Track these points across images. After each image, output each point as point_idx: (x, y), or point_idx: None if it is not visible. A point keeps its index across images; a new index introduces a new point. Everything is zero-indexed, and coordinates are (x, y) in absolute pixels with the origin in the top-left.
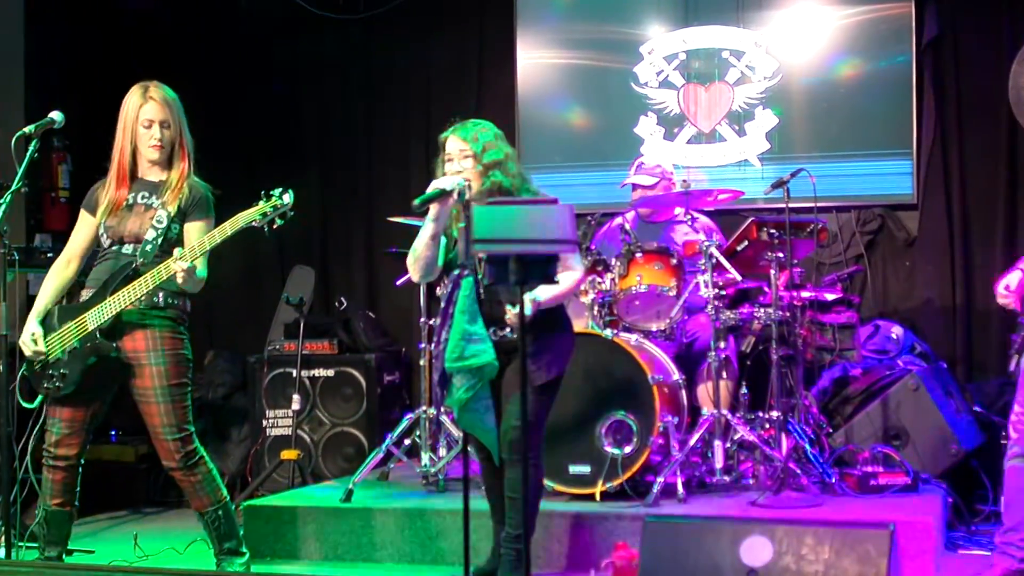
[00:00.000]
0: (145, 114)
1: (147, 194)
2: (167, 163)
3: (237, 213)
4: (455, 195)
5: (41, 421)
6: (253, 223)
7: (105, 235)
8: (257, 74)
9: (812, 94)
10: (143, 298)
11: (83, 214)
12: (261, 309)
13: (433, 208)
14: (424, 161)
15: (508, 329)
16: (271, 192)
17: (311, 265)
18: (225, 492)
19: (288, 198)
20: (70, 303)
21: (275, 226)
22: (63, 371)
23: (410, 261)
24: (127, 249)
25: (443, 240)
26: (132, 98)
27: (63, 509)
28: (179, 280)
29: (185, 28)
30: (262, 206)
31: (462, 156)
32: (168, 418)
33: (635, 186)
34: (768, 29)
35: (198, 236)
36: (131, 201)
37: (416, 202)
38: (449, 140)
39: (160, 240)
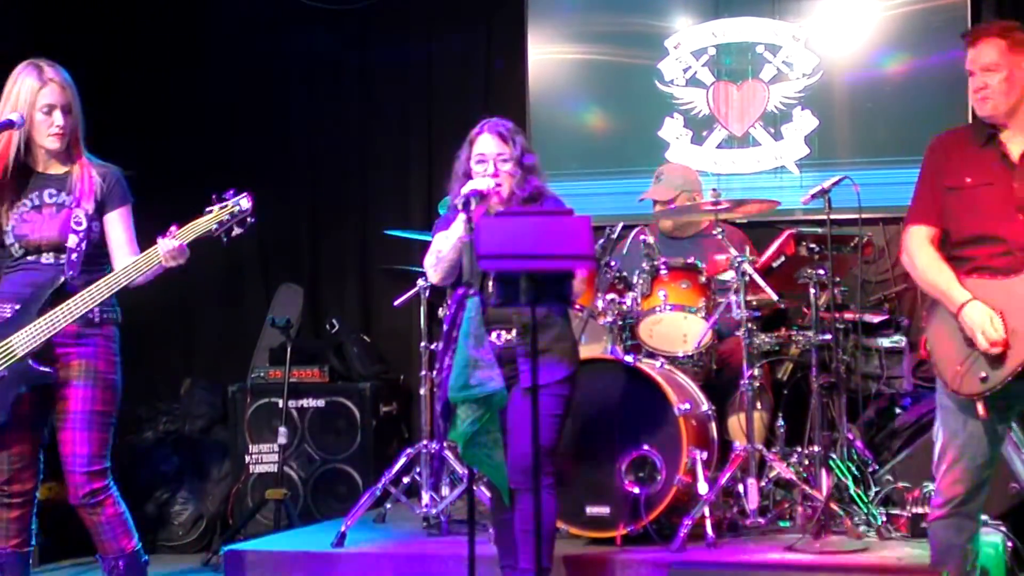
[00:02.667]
0: (44, 98)
1: (54, 191)
2: (65, 153)
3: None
4: (490, 196)
5: None
6: (209, 232)
7: (17, 244)
8: (237, 70)
9: (856, 93)
10: (79, 315)
11: None
12: (243, 333)
13: (470, 207)
14: (426, 168)
15: (514, 333)
16: (224, 196)
17: (299, 283)
18: (136, 543)
19: (246, 202)
20: None
21: (233, 234)
22: None
23: (429, 262)
24: (47, 258)
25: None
26: (27, 80)
27: (20, 551)
28: (170, 263)
29: (153, 18)
30: (217, 213)
31: (500, 159)
32: (83, 447)
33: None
34: (807, 21)
35: (122, 226)
36: (37, 202)
37: (459, 202)
38: (483, 139)
39: (84, 244)
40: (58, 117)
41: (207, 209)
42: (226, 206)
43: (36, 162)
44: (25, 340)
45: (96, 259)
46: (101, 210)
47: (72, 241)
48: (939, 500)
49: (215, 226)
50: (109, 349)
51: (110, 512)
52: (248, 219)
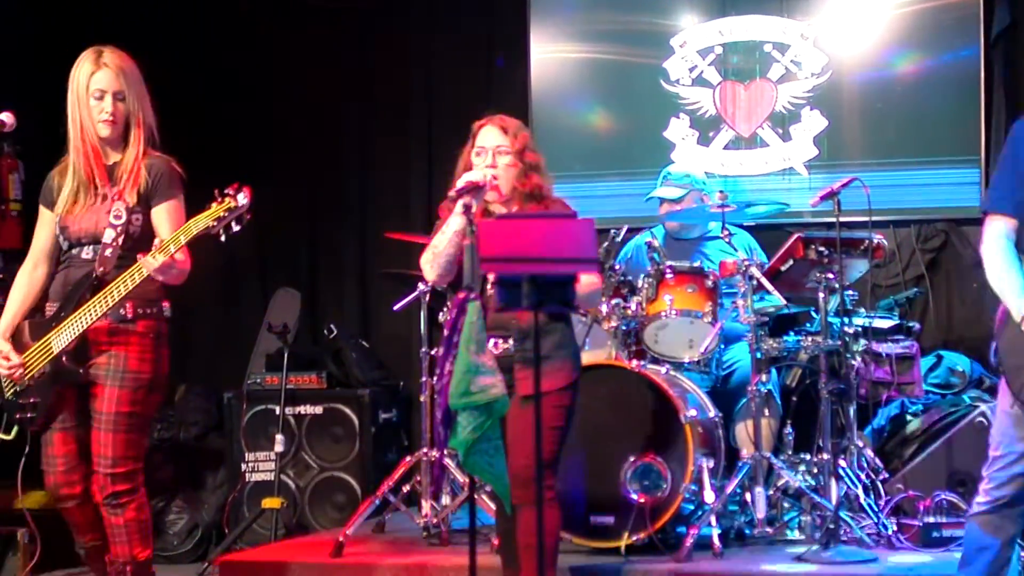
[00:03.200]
0: (96, 83)
1: (103, 181)
2: (122, 142)
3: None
4: (486, 189)
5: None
6: (208, 229)
7: (62, 236)
8: (233, 68)
9: (866, 93)
10: (109, 312)
11: (42, 210)
12: (239, 338)
13: (463, 201)
14: (426, 168)
15: (512, 340)
16: (225, 192)
17: (296, 287)
18: (150, 553)
19: (244, 197)
20: (42, 317)
21: (232, 231)
22: (32, 400)
23: (426, 259)
24: (86, 253)
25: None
26: (83, 65)
27: (96, 545)
28: (159, 278)
29: (150, 11)
30: (215, 209)
31: (499, 151)
32: (109, 448)
33: (661, 199)
34: (816, 19)
35: (168, 221)
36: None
37: (451, 193)
38: (484, 131)
39: (121, 239)
40: (108, 103)
41: (207, 205)
42: (224, 202)
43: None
44: (59, 338)
45: (133, 256)
46: (147, 203)
47: (108, 235)
48: (984, 499)
49: (214, 222)
50: (144, 346)
51: (130, 516)
52: (246, 215)
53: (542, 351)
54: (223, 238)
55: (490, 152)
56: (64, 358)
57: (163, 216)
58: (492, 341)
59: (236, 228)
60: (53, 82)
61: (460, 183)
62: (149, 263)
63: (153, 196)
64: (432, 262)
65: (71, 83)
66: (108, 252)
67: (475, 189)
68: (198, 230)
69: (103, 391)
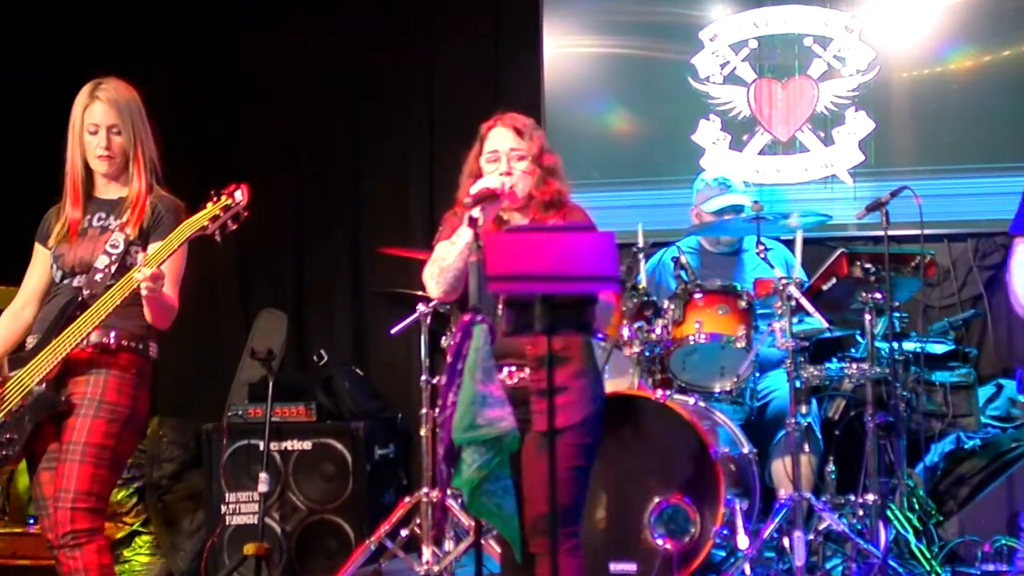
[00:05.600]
0: (90, 117)
1: (103, 215)
2: (124, 176)
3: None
4: (502, 198)
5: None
6: (203, 229)
7: (55, 266)
8: (213, 65)
9: (917, 92)
10: (92, 335)
11: (37, 247)
12: (218, 365)
13: (477, 211)
14: (427, 176)
15: (528, 369)
16: (221, 191)
17: (282, 308)
18: None
19: (241, 195)
20: (22, 351)
21: (228, 231)
22: (9, 436)
23: (430, 273)
24: (77, 282)
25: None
26: (79, 99)
27: None
28: (144, 292)
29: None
30: (211, 208)
31: (514, 156)
32: (72, 481)
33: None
34: (862, 10)
35: (169, 261)
36: (85, 225)
37: (467, 200)
38: (495, 133)
39: (114, 268)
40: (102, 138)
41: (202, 205)
42: (220, 200)
43: (96, 186)
44: (40, 366)
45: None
46: (146, 240)
47: (101, 262)
48: None
49: (208, 222)
50: (124, 380)
51: (91, 560)
52: (243, 213)
53: (558, 381)
54: (219, 238)
55: (504, 157)
56: (44, 385)
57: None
58: (505, 370)
59: (233, 227)
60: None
61: (475, 189)
62: (137, 277)
63: (153, 233)
64: (438, 276)
65: (71, 120)
66: (98, 277)
67: (491, 197)
68: (193, 231)
69: (75, 421)
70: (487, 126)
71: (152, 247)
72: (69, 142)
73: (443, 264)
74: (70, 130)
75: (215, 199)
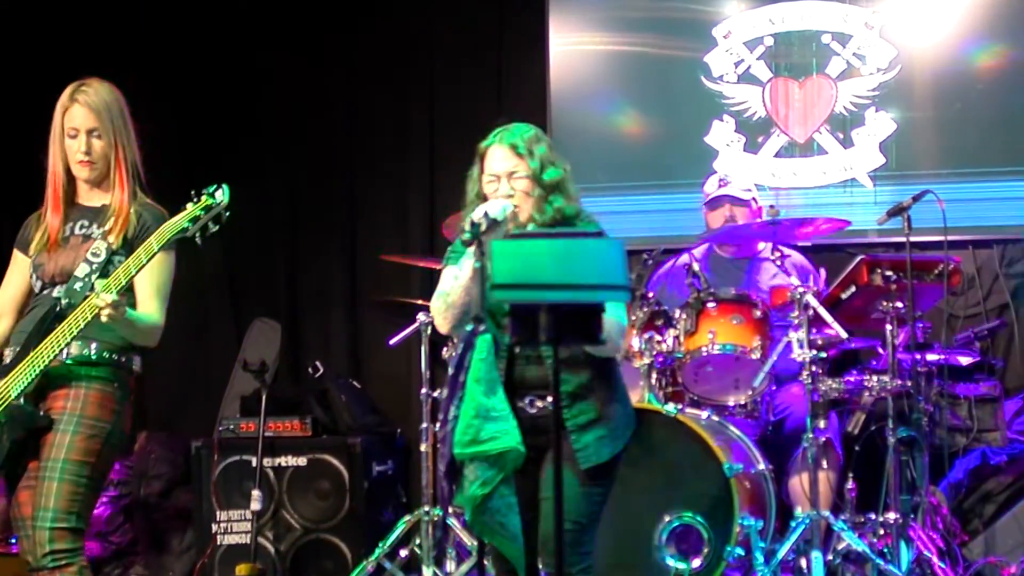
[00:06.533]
0: (70, 121)
1: (86, 223)
2: (107, 182)
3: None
4: (507, 224)
5: None
6: (183, 232)
7: (35, 275)
8: (201, 60)
9: (941, 92)
10: (67, 349)
11: (15, 254)
12: (209, 377)
13: (478, 244)
14: (427, 181)
15: (549, 399)
16: (201, 191)
17: (276, 318)
18: None
19: (222, 195)
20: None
21: (209, 233)
22: None
23: (437, 307)
24: (57, 292)
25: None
26: (60, 101)
27: None
28: (104, 319)
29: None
30: (191, 209)
31: (514, 176)
32: (51, 500)
33: (716, 201)
34: (883, 5)
35: (147, 273)
36: (67, 233)
37: (466, 236)
38: (493, 152)
39: (95, 277)
40: (82, 142)
41: (182, 207)
42: (200, 200)
43: (77, 192)
44: (18, 380)
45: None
46: (130, 250)
47: (82, 270)
48: None
49: (188, 224)
50: (105, 394)
51: None
52: (224, 213)
53: (581, 420)
54: (199, 241)
55: (503, 179)
56: (23, 399)
57: (146, 268)
58: (528, 399)
59: (214, 228)
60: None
61: (476, 215)
62: (95, 303)
63: (136, 244)
64: (444, 313)
65: (53, 123)
66: (77, 286)
67: (493, 224)
68: (172, 234)
69: (53, 437)
70: (486, 144)
71: (100, 283)
72: (51, 147)
73: (448, 300)
74: (52, 134)
75: (195, 199)
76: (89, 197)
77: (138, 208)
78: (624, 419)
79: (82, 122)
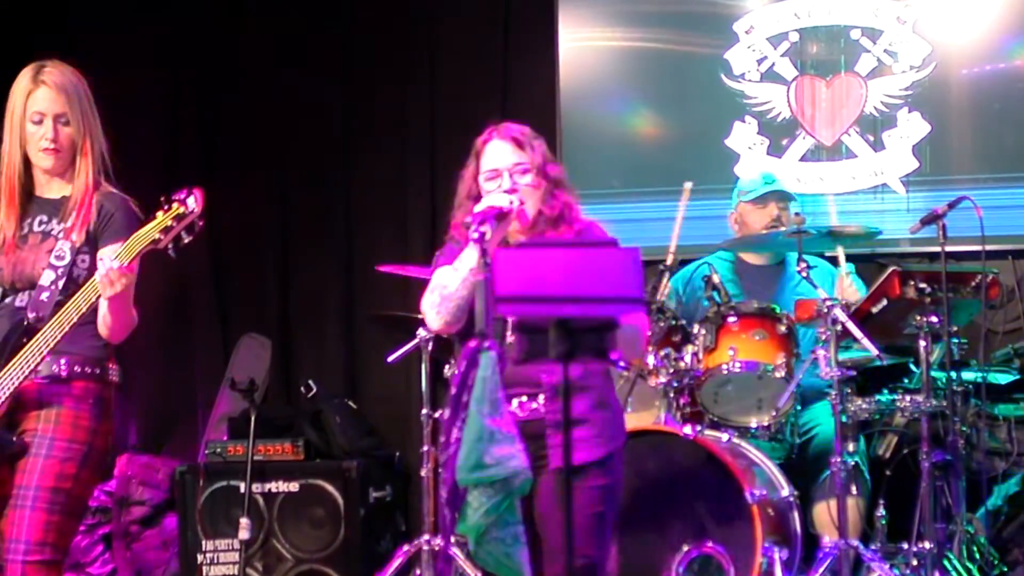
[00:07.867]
0: (35, 105)
1: (45, 217)
2: (70, 173)
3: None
4: (511, 217)
5: None
6: (155, 243)
7: None
8: (187, 56)
9: (978, 91)
10: (42, 364)
11: None
12: (194, 397)
13: (484, 232)
14: (428, 185)
15: (542, 399)
16: (172, 198)
17: (266, 334)
18: None
19: (194, 202)
20: None
21: (182, 243)
22: None
23: (430, 302)
24: (21, 300)
25: None
26: (20, 83)
27: None
28: (113, 291)
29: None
30: (161, 218)
31: (518, 171)
32: (23, 531)
33: (762, 199)
34: None
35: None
36: (24, 231)
37: (469, 222)
38: (492, 148)
39: (62, 283)
40: (48, 128)
41: (151, 215)
42: (171, 209)
43: (36, 183)
44: None
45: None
46: (95, 245)
47: (46, 278)
48: None
49: (160, 234)
50: (80, 412)
51: None
52: (197, 221)
53: (575, 412)
54: (173, 253)
55: (507, 173)
56: None
57: None
58: (516, 401)
59: (187, 239)
60: None
61: (481, 207)
62: (112, 266)
63: (101, 237)
64: (438, 306)
65: (8, 107)
66: (44, 296)
67: (499, 217)
68: (142, 246)
69: (26, 463)
70: (482, 140)
71: (110, 248)
72: (7, 134)
73: (444, 292)
74: (7, 120)
75: (165, 207)
76: (48, 188)
77: (99, 198)
78: (616, 423)
79: (49, 106)
